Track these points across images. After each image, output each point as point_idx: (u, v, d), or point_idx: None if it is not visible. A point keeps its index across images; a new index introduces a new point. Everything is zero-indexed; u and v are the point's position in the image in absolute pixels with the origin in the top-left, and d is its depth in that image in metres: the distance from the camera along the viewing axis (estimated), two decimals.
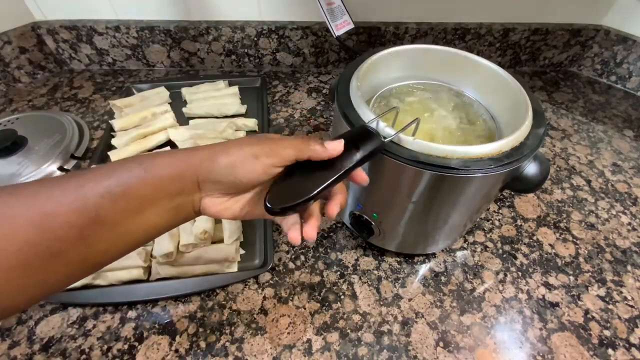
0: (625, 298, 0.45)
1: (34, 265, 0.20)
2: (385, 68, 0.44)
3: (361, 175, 0.31)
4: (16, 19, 0.72)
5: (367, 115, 0.34)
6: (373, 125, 0.32)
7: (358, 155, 0.28)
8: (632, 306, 0.44)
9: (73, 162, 0.59)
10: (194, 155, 0.26)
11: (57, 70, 0.80)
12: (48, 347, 0.39)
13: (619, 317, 0.43)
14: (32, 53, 0.74)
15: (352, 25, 0.70)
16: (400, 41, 0.80)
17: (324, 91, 0.78)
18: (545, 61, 0.87)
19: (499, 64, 0.42)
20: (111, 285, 0.43)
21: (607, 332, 0.42)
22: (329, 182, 0.27)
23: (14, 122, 0.63)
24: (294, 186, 0.27)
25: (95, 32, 0.74)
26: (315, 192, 0.26)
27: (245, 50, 0.79)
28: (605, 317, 0.43)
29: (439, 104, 0.44)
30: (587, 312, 0.44)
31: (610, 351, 0.40)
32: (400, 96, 0.45)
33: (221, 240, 0.46)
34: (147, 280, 0.43)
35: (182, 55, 0.80)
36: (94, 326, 0.40)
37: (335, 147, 0.28)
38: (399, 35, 0.79)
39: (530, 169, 0.35)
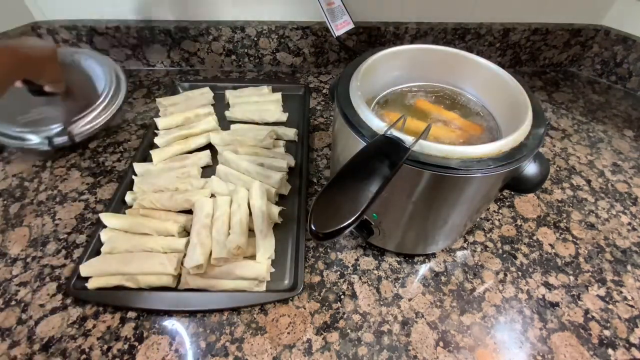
0: (625, 298, 0.45)
1: None
2: (385, 68, 0.44)
3: None
4: (16, 19, 0.72)
5: (370, 118, 0.34)
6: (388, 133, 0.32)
7: (389, 166, 0.28)
8: (632, 306, 0.44)
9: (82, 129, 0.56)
10: None
11: None
12: (48, 347, 0.39)
13: (619, 317, 0.43)
14: None
15: (352, 25, 0.70)
16: (400, 41, 0.80)
17: (324, 91, 0.78)
18: (545, 61, 0.87)
19: (499, 64, 0.42)
20: (140, 289, 0.42)
21: (607, 332, 0.42)
22: (369, 199, 0.26)
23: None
24: (336, 208, 0.26)
25: (95, 32, 0.74)
26: (359, 212, 0.25)
27: (245, 50, 0.79)
28: (605, 317, 0.43)
29: (439, 103, 0.44)
30: (587, 312, 0.44)
31: (610, 351, 0.40)
32: (401, 97, 0.45)
33: (253, 256, 0.45)
34: (175, 289, 0.43)
35: (182, 55, 0.80)
36: (94, 326, 0.40)
37: None
38: (399, 35, 0.79)
39: (530, 169, 0.35)
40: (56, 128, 0.53)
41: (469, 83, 0.46)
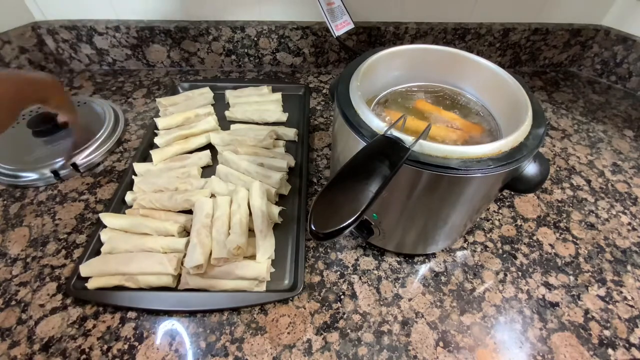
0: (625, 298, 0.45)
1: None
2: (385, 68, 0.44)
3: None
4: (16, 19, 0.72)
5: (370, 118, 0.34)
6: (389, 133, 0.32)
7: (390, 166, 0.28)
8: (632, 306, 0.44)
9: (97, 156, 0.60)
10: None
11: (57, 70, 0.80)
12: (48, 347, 0.39)
13: (619, 317, 0.43)
14: (32, 53, 0.74)
15: (352, 25, 0.70)
16: (400, 41, 0.80)
17: (324, 91, 0.78)
18: (545, 61, 0.87)
19: (499, 64, 0.42)
20: (140, 289, 0.42)
21: (607, 332, 0.42)
22: (370, 199, 0.26)
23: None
24: (336, 208, 0.26)
25: (95, 32, 0.74)
26: (360, 212, 0.25)
27: (245, 50, 0.79)
28: (605, 317, 0.43)
29: (439, 104, 0.44)
30: (587, 312, 0.44)
31: (610, 351, 0.40)
32: (401, 97, 0.45)
33: (253, 256, 0.45)
34: (176, 289, 0.43)
35: (182, 55, 0.80)
36: (94, 326, 0.40)
37: None
38: (399, 35, 0.79)
39: (530, 169, 0.35)
40: (61, 161, 0.57)
41: (469, 83, 0.46)
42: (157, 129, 0.63)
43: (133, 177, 0.54)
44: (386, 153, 0.29)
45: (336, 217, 0.25)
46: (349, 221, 0.25)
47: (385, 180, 0.27)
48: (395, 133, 0.32)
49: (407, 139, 0.31)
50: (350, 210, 0.26)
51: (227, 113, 0.66)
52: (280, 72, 0.83)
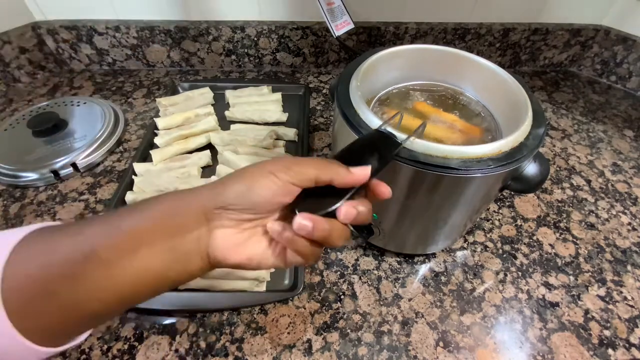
0: (625, 298, 0.45)
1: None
2: (385, 68, 0.44)
3: (382, 188, 0.28)
4: (16, 19, 0.72)
5: (370, 118, 0.34)
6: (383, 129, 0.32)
7: (379, 160, 0.28)
8: (632, 306, 0.44)
9: (98, 155, 0.60)
10: (202, 188, 0.25)
11: (57, 70, 0.80)
12: None
13: (619, 317, 0.43)
14: (32, 53, 0.74)
15: (352, 25, 0.70)
16: (400, 41, 0.80)
17: (324, 91, 0.78)
18: (545, 61, 0.87)
19: (499, 64, 0.42)
20: None
21: (607, 332, 0.42)
22: (355, 188, 0.26)
23: (59, 105, 0.67)
24: (321, 195, 0.26)
25: (95, 32, 0.74)
26: (344, 199, 0.26)
27: (245, 50, 0.79)
28: (605, 317, 0.43)
29: (439, 104, 0.44)
30: (587, 312, 0.44)
31: (610, 351, 0.40)
32: (400, 98, 0.45)
33: None
34: (176, 289, 0.42)
35: (182, 55, 0.80)
36: None
37: (362, 172, 0.26)
38: (399, 35, 0.79)
39: (530, 169, 0.35)
40: (61, 161, 0.57)
41: (469, 83, 0.46)
42: (157, 129, 0.63)
43: (133, 177, 0.54)
44: (377, 147, 0.29)
45: (322, 205, 0.26)
46: (332, 208, 0.25)
47: (373, 172, 0.28)
48: (389, 129, 0.32)
49: (400, 135, 0.31)
50: (332, 201, 0.26)
51: (227, 113, 0.66)
52: (280, 72, 0.83)
